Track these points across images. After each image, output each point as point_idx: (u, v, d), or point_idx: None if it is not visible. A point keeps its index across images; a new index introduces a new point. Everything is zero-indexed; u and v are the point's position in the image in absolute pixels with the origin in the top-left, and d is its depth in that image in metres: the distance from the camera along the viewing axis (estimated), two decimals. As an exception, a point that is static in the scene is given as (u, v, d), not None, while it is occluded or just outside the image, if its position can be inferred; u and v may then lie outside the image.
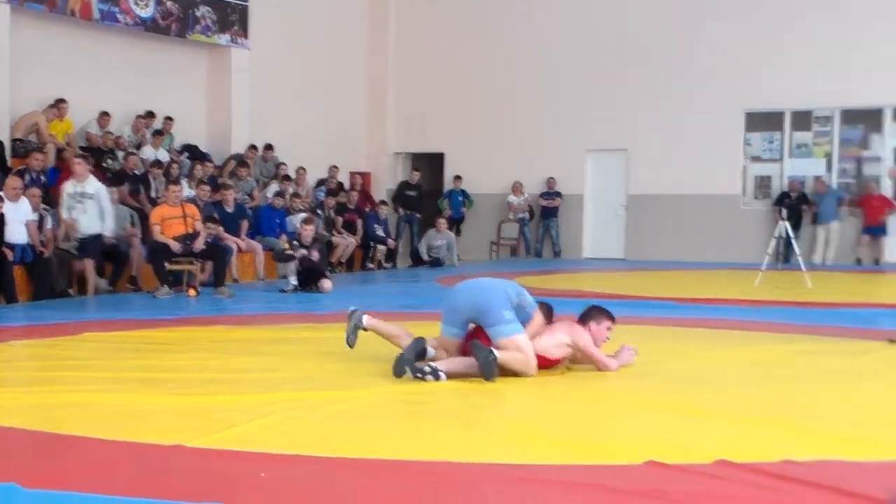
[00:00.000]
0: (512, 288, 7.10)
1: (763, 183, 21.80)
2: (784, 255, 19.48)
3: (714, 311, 11.51)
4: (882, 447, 4.97)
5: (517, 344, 6.79)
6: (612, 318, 7.30)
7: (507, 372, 6.80)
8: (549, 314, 7.44)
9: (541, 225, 23.11)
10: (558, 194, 22.84)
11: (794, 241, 16.62)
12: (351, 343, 7.49)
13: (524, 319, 7.03)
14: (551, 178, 22.85)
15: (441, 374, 6.61)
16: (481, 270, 15.97)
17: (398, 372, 6.75)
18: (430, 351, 7.09)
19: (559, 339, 7.10)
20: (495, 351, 6.64)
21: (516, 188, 22.98)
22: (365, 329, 7.48)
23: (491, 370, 6.58)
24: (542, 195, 22.98)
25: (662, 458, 4.53)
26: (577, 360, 7.28)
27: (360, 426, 5.42)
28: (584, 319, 7.29)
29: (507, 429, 5.39)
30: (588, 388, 6.64)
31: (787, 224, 16.14)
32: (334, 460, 4.62)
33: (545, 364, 7.11)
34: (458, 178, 23.28)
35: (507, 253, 23.31)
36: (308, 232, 14.42)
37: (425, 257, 20.19)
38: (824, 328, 9.53)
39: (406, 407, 5.97)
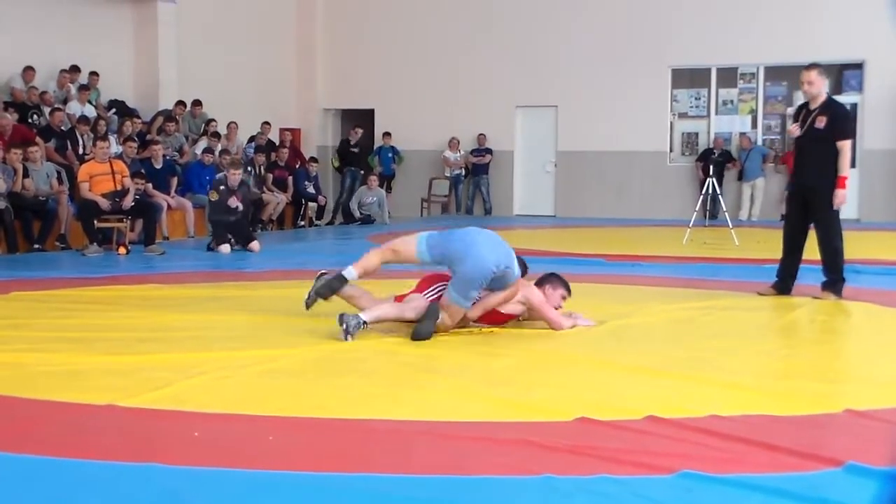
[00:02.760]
0: (504, 257, 6.94)
1: (690, 139, 22.00)
2: (711, 211, 19.72)
3: (643, 267, 11.65)
4: (803, 401, 5.08)
5: (453, 310, 6.87)
6: (567, 288, 7.38)
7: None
8: (523, 270, 7.41)
9: (471, 182, 23.10)
10: (489, 151, 22.84)
11: (720, 198, 16.84)
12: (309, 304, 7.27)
13: (500, 287, 7.04)
14: (482, 134, 22.83)
15: (349, 336, 6.59)
16: (413, 228, 15.97)
17: (312, 296, 6.97)
18: (352, 272, 7.04)
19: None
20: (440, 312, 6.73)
21: (453, 144, 22.90)
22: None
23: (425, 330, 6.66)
24: (473, 152, 22.94)
25: (593, 415, 4.60)
26: (530, 316, 7.36)
27: (292, 384, 5.43)
28: (540, 283, 7.40)
29: (437, 386, 5.41)
30: (518, 346, 6.69)
31: (714, 180, 16.35)
32: (266, 419, 4.64)
33: (496, 318, 7.22)
34: (387, 134, 23.17)
35: (438, 210, 23.31)
36: (235, 176, 14.11)
37: (356, 215, 20.14)
38: (751, 284, 9.67)
39: (336, 365, 5.96)
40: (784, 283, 9.13)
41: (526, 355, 6.35)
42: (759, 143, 21.37)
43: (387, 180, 22.69)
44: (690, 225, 15.58)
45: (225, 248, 13.64)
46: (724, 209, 16.37)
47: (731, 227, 15.31)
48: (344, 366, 5.94)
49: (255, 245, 13.90)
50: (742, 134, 21.40)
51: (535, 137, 22.94)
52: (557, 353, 6.37)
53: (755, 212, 21.01)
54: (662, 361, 6.06)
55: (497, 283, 6.95)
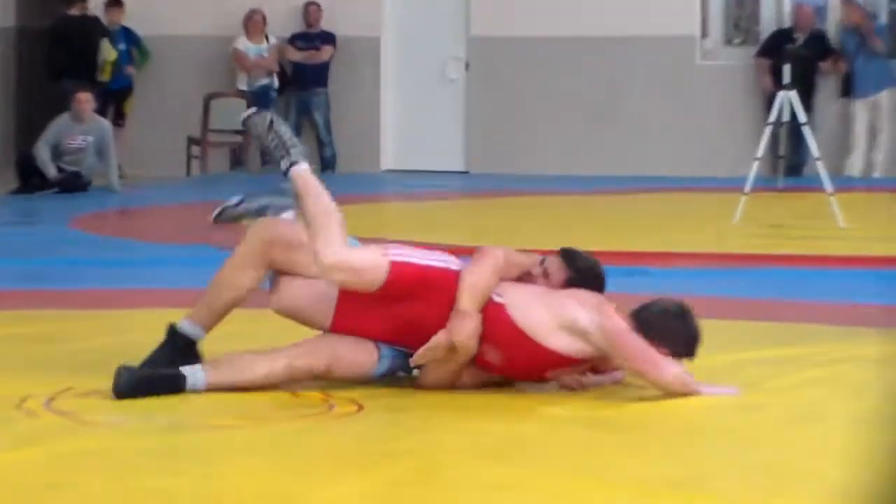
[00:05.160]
0: None
1: (743, 15, 22.22)
2: (789, 159, 19.82)
3: (652, 276, 11.70)
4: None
5: None
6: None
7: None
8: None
9: (293, 102, 23.16)
10: (329, 38, 22.93)
11: (806, 132, 16.90)
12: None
13: None
14: (313, 4, 22.86)
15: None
16: (170, 202, 15.86)
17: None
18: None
19: (572, 316, 7.10)
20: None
21: (254, 25, 23.04)
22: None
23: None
24: (295, 39, 23.02)
25: None
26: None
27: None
28: (653, 334, 7.16)
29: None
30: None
31: (793, 95, 16.36)
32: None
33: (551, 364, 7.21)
34: (116, 4, 23.03)
35: (226, 163, 23.19)
36: None
37: (50, 172, 19.84)
38: (862, 311, 9.71)
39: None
40: None
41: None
42: (884, 19, 21.60)
43: (116, 101, 22.53)
44: (747, 188, 15.63)
45: None
46: (816, 156, 16.46)
47: (829, 191, 15.39)
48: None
49: None
50: (848, 1, 21.59)
51: (426, 13, 22.99)
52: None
53: (879, 158, 21.19)
54: (682, 473, 6.00)
55: None
